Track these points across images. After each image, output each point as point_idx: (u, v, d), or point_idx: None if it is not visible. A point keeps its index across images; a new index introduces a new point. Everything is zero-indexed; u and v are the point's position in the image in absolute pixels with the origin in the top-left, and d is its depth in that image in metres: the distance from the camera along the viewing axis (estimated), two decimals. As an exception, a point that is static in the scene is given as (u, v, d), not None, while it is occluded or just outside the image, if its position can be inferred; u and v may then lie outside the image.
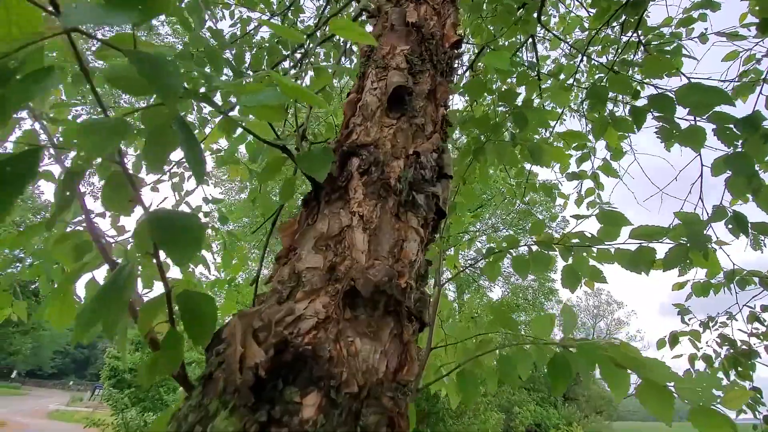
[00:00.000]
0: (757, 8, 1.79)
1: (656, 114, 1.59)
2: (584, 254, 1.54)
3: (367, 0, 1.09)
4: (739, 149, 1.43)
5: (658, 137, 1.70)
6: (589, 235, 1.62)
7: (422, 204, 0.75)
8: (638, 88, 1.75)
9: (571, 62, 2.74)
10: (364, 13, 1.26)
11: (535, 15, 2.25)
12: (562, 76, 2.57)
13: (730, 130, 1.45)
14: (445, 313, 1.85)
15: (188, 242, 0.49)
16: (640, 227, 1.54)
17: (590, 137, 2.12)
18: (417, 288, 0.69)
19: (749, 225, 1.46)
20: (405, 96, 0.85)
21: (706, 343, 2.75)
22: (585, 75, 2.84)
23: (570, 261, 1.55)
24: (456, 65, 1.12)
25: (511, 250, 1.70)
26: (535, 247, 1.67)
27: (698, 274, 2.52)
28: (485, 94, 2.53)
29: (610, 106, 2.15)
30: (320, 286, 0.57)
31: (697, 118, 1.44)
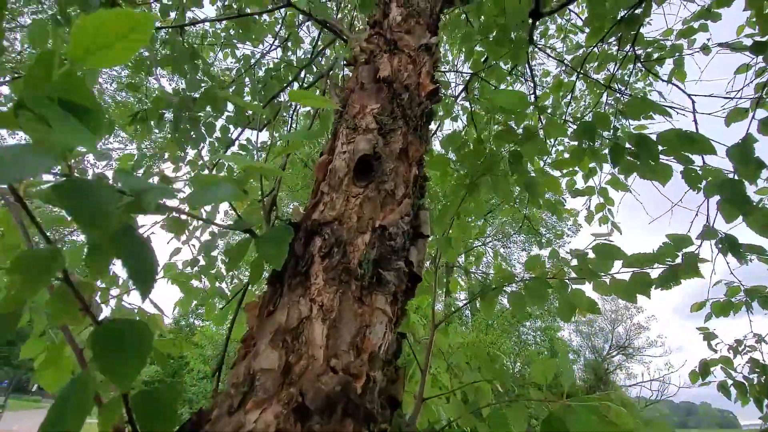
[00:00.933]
0: (754, 20, 1.72)
1: (630, 150, 1.56)
2: (580, 287, 1.50)
3: (342, 50, 1.09)
4: (731, 174, 1.38)
5: (618, 174, 1.67)
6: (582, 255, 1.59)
7: (391, 280, 0.72)
8: (617, 125, 1.71)
9: (570, 79, 2.68)
10: (342, 61, 1.25)
11: (528, 37, 2.21)
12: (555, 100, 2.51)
13: (695, 172, 1.41)
14: (445, 348, 1.81)
15: (131, 361, 0.48)
16: (631, 256, 1.54)
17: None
18: (384, 374, 0.66)
19: (741, 246, 1.40)
20: (373, 162, 0.83)
21: (735, 369, 2.59)
22: (586, 90, 2.77)
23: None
24: (433, 113, 1.10)
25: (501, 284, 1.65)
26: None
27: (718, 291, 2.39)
28: (483, 115, 2.50)
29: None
30: (273, 392, 0.54)
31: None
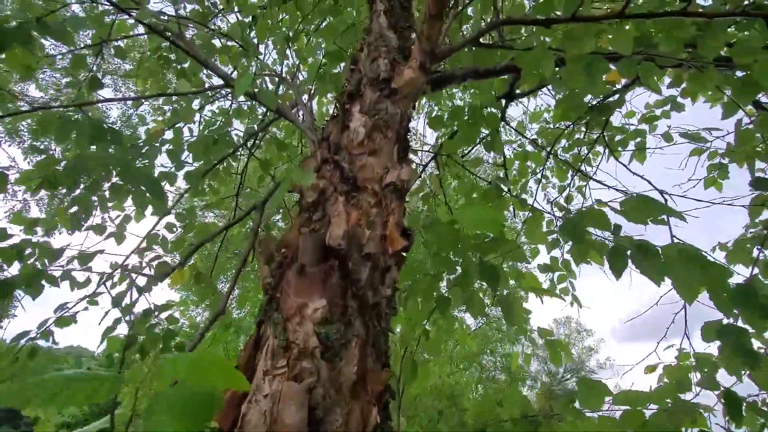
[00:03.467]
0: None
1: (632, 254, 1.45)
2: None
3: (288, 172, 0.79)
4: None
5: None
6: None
7: None
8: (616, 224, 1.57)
9: (538, 150, 2.60)
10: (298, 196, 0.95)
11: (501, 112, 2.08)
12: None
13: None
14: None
15: None
16: (621, 393, 1.40)
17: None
18: None
19: (742, 407, 1.27)
20: (315, 412, 0.52)
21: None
22: (553, 173, 2.71)
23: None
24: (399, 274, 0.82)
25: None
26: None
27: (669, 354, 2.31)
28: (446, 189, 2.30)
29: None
30: None
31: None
